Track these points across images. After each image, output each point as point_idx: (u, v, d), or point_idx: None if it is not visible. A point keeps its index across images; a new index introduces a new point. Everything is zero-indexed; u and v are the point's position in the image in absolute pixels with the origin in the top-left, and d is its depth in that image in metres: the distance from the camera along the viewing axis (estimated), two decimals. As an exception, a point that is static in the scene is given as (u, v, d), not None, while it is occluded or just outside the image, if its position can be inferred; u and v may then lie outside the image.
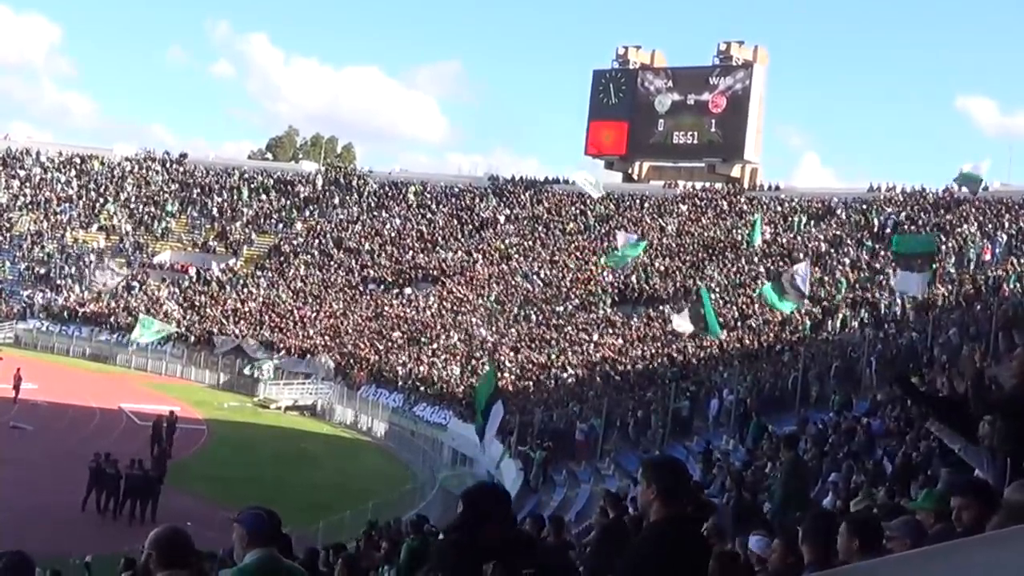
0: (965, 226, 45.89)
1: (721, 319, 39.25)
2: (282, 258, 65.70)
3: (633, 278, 51.19)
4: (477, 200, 66.63)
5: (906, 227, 47.71)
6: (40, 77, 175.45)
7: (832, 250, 48.11)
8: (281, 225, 70.01)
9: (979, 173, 42.92)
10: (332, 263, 63.39)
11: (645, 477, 4.65)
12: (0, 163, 77.95)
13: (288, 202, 71.85)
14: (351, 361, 51.08)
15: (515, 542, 4.70)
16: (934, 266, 39.30)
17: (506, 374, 44.45)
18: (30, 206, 74.13)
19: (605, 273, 52.38)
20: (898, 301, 37.41)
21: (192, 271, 65.71)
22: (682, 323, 35.77)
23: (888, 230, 47.73)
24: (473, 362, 46.26)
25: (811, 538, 5.79)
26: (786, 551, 6.44)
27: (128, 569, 13.59)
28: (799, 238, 51.30)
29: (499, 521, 4.64)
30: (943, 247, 41.20)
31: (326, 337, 54.40)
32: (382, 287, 59.43)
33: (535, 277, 55.21)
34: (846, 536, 5.54)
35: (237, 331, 56.67)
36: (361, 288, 59.88)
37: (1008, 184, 51.68)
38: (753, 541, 7.95)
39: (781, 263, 46.78)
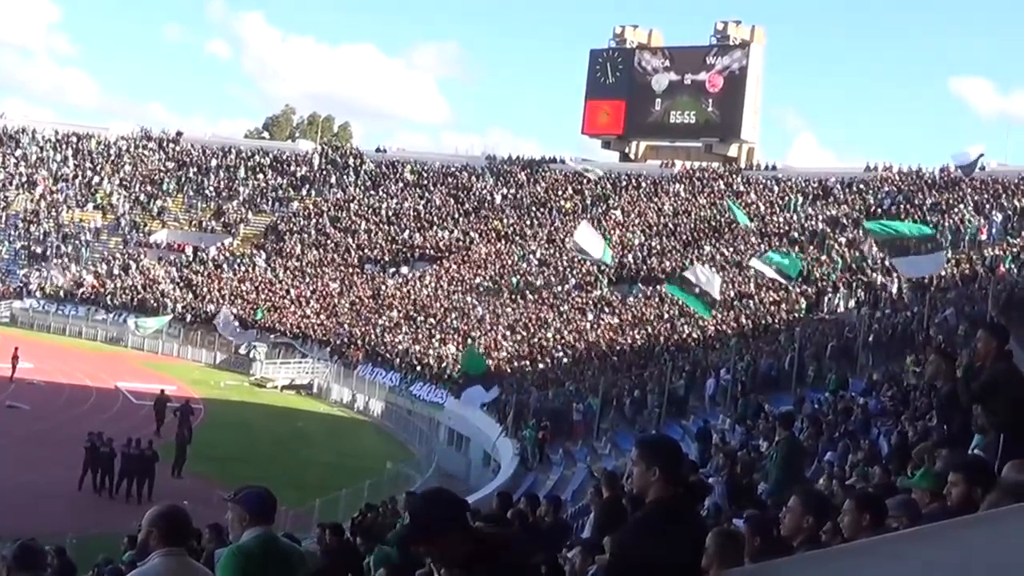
0: (961, 206, 45.89)
1: (710, 299, 39.01)
2: (278, 237, 65.63)
3: (630, 257, 51.17)
4: (474, 179, 66.52)
5: (902, 208, 47.70)
6: (38, 55, 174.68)
7: (828, 230, 48.09)
8: (278, 204, 69.87)
9: (970, 160, 42.79)
10: (329, 242, 63.30)
11: (643, 458, 4.59)
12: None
13: (285, 181, 71.66)
14: (347, 340, 51.10)
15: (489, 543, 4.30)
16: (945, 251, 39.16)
17: (503, 353, 44.54)
18: (26, 185, 73.92)
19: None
20: (894, 281, 37.42)
21: (189, 250, 65.63)
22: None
23: (884, 208, 47.76)
24: (470, 341, 46.26)
25: (802, 515, 5.75)
26: (753, 534, 6.33)
27: (133, 547, 13.59)
28: (795, 217, 51.30)
29: (461, 528, 4.24)
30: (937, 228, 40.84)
31: (322, 316, 54.40)
32: (379, 266, 59.42)
33: (532, 256, 55.18)
34: (855, 512, 5.50)
35: (233, 312, 56.51)
36: (358, 267, 59.86)
37: (1005, 164, 51.68)
38: (749, 520, 7.94)
39: (777, 243, 46.84)
